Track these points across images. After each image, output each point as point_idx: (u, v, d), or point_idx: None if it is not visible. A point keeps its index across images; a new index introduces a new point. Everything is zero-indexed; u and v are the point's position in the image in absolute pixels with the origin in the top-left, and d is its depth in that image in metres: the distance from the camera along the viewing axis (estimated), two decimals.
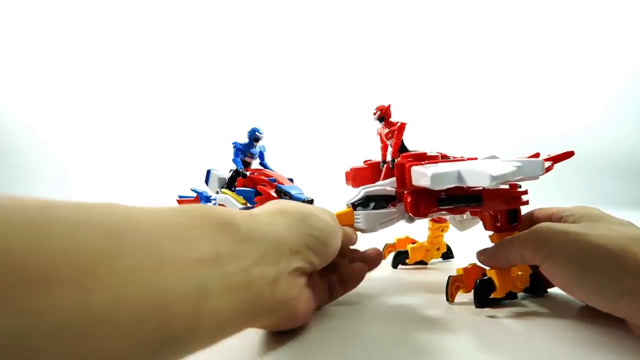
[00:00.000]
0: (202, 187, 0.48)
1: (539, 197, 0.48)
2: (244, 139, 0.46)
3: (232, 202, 0.42)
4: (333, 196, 0.71)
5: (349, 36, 1.61)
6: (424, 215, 0.31)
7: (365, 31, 1.59)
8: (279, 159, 0.59)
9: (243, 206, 0.41)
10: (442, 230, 0.41)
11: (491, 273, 0.29)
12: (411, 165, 0.29)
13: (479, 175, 0.23)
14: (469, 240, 0.46)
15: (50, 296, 0.11)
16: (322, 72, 1.59)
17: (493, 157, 0.31)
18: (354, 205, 0.32)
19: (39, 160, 1.49)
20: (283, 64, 1.62)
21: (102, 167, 1.49)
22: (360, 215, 0.32)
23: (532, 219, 0.32)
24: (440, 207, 0.29)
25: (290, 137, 1.39)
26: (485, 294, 0.29)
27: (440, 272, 0.40)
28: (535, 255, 0.25)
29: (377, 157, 0.40)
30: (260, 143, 0.47)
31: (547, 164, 0.30)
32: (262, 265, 0.20)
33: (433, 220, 0.40)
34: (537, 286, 0.31)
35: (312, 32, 1.62)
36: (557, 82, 1.60)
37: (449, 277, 0.30)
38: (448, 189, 0.30)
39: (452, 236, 0.43)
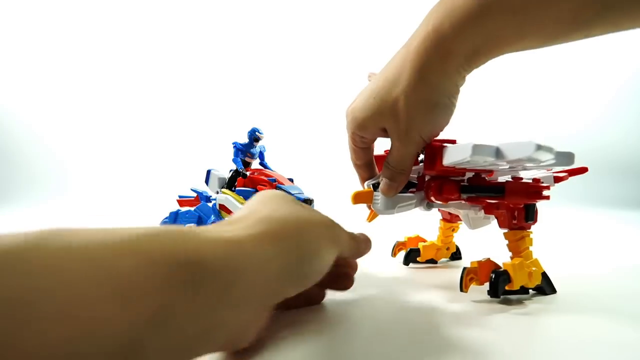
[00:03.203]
0: (202, 187, 0.48)
1: None
2: (244, 139, 0.46)
3: (232, 202, 0.42)
4: (333, 196, 0.71)
5: (348, 36, 1.61)
6: (446, 200, 0.31)
7: (364, 31, 1.59)
8: (279, 159, 0.59)
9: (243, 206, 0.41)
10: (453, 230, 0.42)
11: (507, 266, 0.30)
12: (444, 145, 0.29)
13: (522, 145, 0.22)
14: (477, 243, 0.47)
15: None
16: (322, 71, 1.59)
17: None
18: (375, 186, 0.33)
19: (39, 160, 1.49)
20: (283, 64, 1.62)
21: (102, 167, 1.49)
22: (380, 196, 0.32)
23: None
24: (462, 195, 0.31)
25: (290, 137, 1.39)
26: (500, 286, 0.29)
27: (450, 270, 0.41)
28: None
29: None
30: (260, 143, 0.47)
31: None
32: (225, 311, 0.17)
33: (444, 220, 0.41)
34: (548, 286, 0.32)
35: (311, 32, 1.62)
36: (557, 82, 1.60)
37: (464, 268, 0.31)
38: (470, 179, 0.32)
39: (460, 238, 0.44)
